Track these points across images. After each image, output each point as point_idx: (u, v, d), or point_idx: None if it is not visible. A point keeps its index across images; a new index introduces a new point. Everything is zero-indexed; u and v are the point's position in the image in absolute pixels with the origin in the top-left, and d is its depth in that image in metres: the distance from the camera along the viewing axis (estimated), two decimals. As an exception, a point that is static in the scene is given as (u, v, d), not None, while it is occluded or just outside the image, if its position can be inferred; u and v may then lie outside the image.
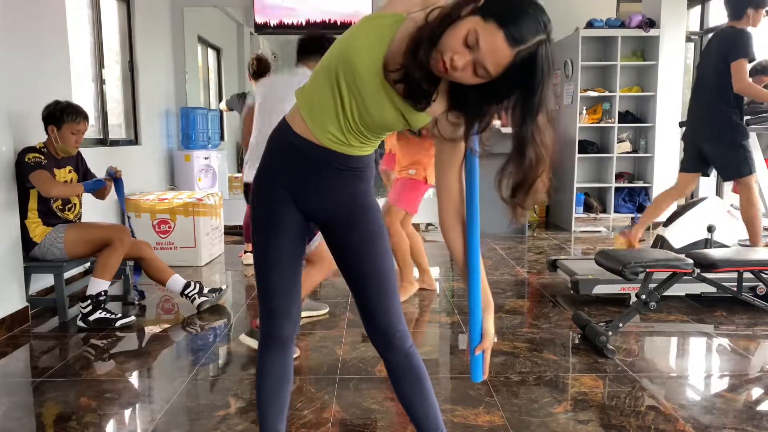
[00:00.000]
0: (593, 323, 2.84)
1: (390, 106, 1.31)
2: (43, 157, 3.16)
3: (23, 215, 3.22)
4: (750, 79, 3.58)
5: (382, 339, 1.51)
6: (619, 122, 6.35)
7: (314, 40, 2.96)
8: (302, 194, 1.45)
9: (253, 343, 2.65)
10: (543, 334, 3.01)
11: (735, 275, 2.89)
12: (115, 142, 4.88)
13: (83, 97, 4.40)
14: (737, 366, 2.64)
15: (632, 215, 6.61)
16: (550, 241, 5.67)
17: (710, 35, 4.01)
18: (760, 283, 3.15)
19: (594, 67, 6.56)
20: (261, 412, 1.57)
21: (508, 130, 1.34)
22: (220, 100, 7.51)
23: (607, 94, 6.41)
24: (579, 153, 6.31)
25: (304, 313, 3.24)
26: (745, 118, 3.81)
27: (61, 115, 3.19)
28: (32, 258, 3.27)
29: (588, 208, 6.68)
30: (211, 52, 7.12)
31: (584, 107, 6.45)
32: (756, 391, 2.41)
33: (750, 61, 3.55)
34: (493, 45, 1.12)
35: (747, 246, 3.83)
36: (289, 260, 1.49)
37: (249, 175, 2.67)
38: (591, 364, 2.62)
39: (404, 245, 3.52)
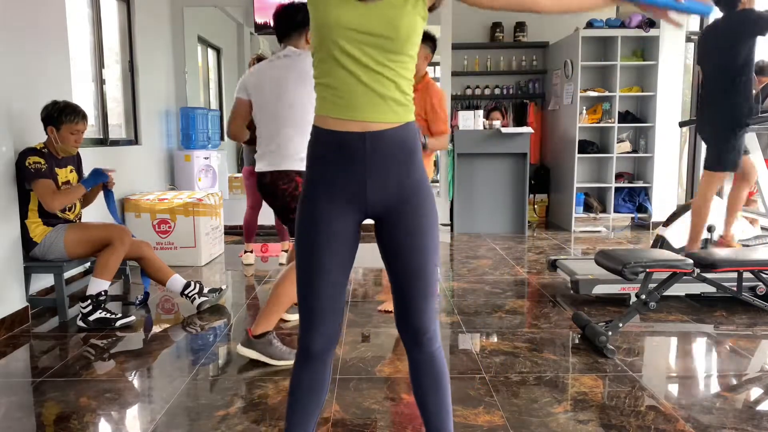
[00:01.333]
0: (593, 323, 2.84)
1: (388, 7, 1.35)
2: (43, 161, 3.16)
3: (23, 215, 3.23)
4: None
5: (412, 338, 1.51)
6: (619, 122, 6.35)
7: (286, 14, 2.62)
8: (356, 191, 1.42)
9: (251, 354, 2.59)
10: (543, 334, 3.01)
11: (735, 275, 2.89)
12: (115, 142, 4.87)
13: (83, 97, 4.41)
14: (737, 366, 2.64)
15: (632, 215, 6.62)
16: (550, 241, 5.67)
17: (706, 31, 3.95)
18: (760, 283, 3.16)
19: (594, 67, 6.56)
20: (286, 420, 1.58)
21: (509, 130, 1.34)
22: (220, 100, 7.52)
23: (607, 94, 6.42)
24: (579, 153, 6.31)
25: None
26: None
27: (59, 115, 3.19)
28: (32, 258, 3.27)
29: (588, 208, 6.68)
30: (211, 52, 7.12)
31: (584, 107, 6.45)
32: (756, 391, 2.41)
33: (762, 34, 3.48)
34: None
35: (748, 246, 3.83)
36: (336, 273, 1.46)
37: (261, 165, 2.59)
38: (591, 364, 2.62)
39: None
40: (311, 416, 1.57)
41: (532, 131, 6.06)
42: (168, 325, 3.23)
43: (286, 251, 4.69)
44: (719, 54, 3.62)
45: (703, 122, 3.80)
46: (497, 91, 7.22)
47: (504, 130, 5.87)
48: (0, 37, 3.11)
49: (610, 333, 2.72)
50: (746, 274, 2.89)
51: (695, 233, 3.75)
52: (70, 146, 3.27)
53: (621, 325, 2.79)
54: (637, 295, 2.85)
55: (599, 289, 3.45)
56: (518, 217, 6.10)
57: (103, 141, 4.69)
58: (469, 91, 7.22)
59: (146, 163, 5.35)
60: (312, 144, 1.47)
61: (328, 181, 1.44)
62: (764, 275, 2.90)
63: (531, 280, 4.14)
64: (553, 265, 3.94)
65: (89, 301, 3.14)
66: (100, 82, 4.70)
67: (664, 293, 2.84)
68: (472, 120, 5.96)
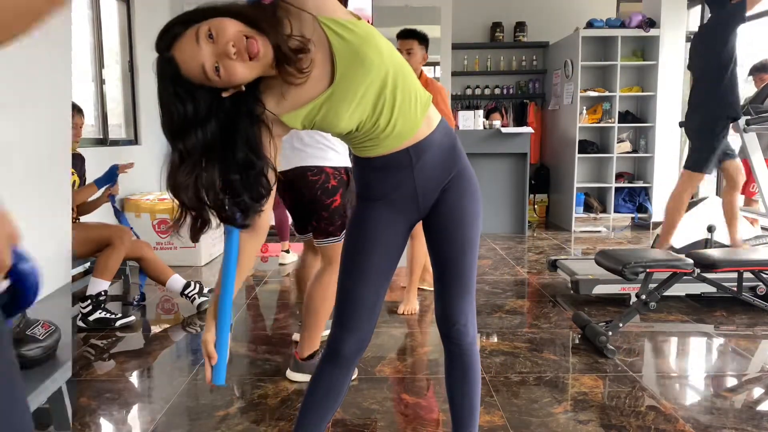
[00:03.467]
0: (593, 323, 2.84)
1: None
2: None
3: None
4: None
5: (445, 328, 1.53)
6: (619, 122, 6.35)
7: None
8: (408, 202, 1.45)
9: (303, 378, 2.42)
10: (543, 334, 3.00)
11: (735, 275, 2.89)
12: (115, 142, 4.87)
13: (83, 97, 4.40)
14: (737, 366, 2.64)
15: (632, 215, 6.61)
16: (550, 241, 5.67)
17: (695, 35, 3.98)
18: (760, 283, 3.15)
19: (594, 67, 6.56)
20: (298, 420, 1.57)
21: (509, 129, 1.34)
22: None
23: (607, 94, 6.42)
24: (579, 153, 6.31)
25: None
26: (746, 118, 3.80)
27: None
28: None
29: (588, 208, 6.68)
30: None
31: (584, 107, 6.46)
32: (756, 391, 2.41)
33: (741, 21, 3.52)
34: None
35: (748, 246, 3.83)
36: (380, 282, 1.49)
37: (283, 164, 2.47)
38: (591, 364, 2.62)
39: (423, 250, 3.37)
40: (326, 418, 1.57)
41: (532, 131, 6.07)
42: (168, 326, 3.23)
43: (287, 251, 4.69)
44: (707, 51, 3.65)
45: (689, 122, 3.84)
46: (497, 91, 7.23)
47: (504, 130, 5.87)
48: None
49: (610, 333, 2.72)
50: (746, 274, 2.89)
51: (668, 232, 3.77)
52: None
53: (621, 325, 2.79)
54: (637, 295, 2.84)
55: (599, 289, 3.45)
56: (518, 217, 6.10)
57: (103, 141, 4.69)
58: (469, 91, 7.22)
59: (146, 163, 5.35)
60: (357, 171, 1.48)
61: (379, 193, 1.45)
62: (764, 275, 2.90)
63: (531, 280, 4.14)
64: (554, 265, 3.94)
65: (89, 301, 3.14)
66: (100, 82, 4.70)
67: (665, 293, 2.84)
68: (472, 120, 5.96)
